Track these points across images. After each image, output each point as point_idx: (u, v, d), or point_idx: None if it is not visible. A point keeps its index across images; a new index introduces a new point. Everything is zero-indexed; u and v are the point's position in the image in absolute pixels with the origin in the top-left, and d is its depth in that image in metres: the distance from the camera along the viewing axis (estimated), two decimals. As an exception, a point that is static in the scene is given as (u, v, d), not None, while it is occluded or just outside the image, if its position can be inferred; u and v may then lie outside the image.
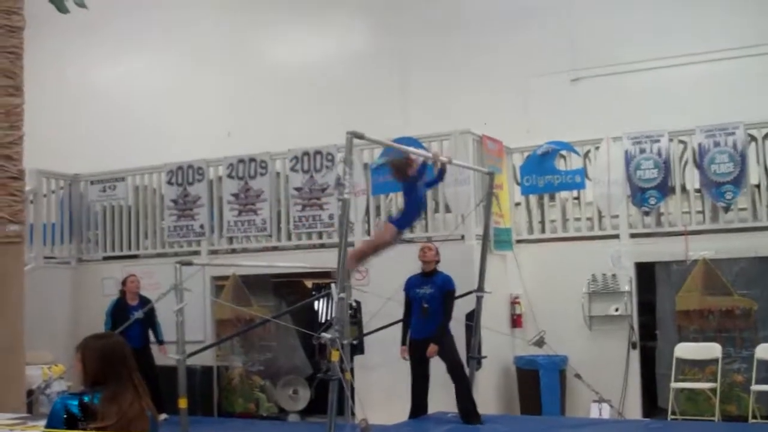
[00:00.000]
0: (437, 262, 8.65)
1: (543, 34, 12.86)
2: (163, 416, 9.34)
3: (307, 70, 14.48)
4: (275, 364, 11.24)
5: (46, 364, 9.99)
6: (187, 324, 8.45)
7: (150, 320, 10.13)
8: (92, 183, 12.45)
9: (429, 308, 8.43)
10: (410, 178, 7.80)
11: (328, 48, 14.69)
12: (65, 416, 3.50)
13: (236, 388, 11.19)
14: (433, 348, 8.36)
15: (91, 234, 12.43)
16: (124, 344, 3.73)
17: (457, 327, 8.90)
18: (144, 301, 10.10)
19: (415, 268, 8.72)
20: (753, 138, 9.85)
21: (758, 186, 9.83)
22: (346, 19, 14.67)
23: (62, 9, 8.23)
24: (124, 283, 10.48)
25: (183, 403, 8.19)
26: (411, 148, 9.27)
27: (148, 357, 10.06)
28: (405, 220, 7.95)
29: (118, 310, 10.18)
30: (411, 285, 8.63)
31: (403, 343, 8.59)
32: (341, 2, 14.54)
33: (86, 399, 3.53)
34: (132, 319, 9.59)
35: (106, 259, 12.28)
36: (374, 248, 8.08)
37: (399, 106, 13.56)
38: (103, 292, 11.52)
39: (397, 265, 9.12)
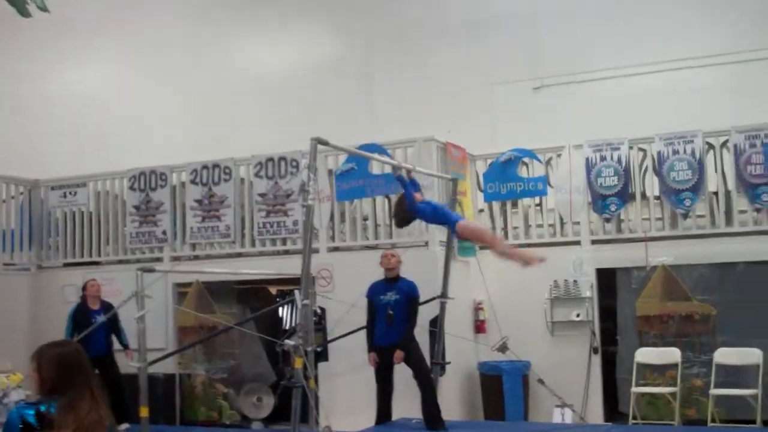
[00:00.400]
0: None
1: (506, 43, 12.96)
2: (124, 426, 9.26)
3: (273, 76, 14.47)
4: (238, 371, 11.19)
5: (4, 372, 9.87)
6: (149, 331, 8.37)
7: (113, 325, 9.99)
8: (53, 189, 12.32)
9: (394, 315, 8.44)
10: (408, 206, 7.86)
11: (294, 54, 14.67)
12: (21, 426, 3.46)
13: (198, 396, 11.09)
14: (399, 354, 8.39)
15: (51, 240, 12.29)
16: (80, 352, 3.68)
17: (421, 333, 8.92)
18: (106, 306, 9.93)
19: (378, 274, 8.73)
20: (711, 146, 10.01)
21: (716, 193, 9.99)
22: (311, 26, 14.67)
23: (24, 13, 8.12)
24: (84, 287, 10.34)
25: (144, 412, 8.10)
26: (375, 155, 9.33)
27: (112, 364, 9.93)
28: (444, 215, 7.90)
29: (80, 315, 9.96)
30: (375, 292, 8.62)
31: (370, 349, 8.58)
32: (306, 9, 14.53)
33: (43, 408, 3.49)
34: (95, 323, 9.49)
35: (66, 265, 12.15)
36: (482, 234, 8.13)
37: (364, 113, 13.58)
38: (63, 299, 11.38)
39: (361, 272, 9.17)
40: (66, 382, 3.54)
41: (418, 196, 7.97)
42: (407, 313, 8.49)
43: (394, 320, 8.44)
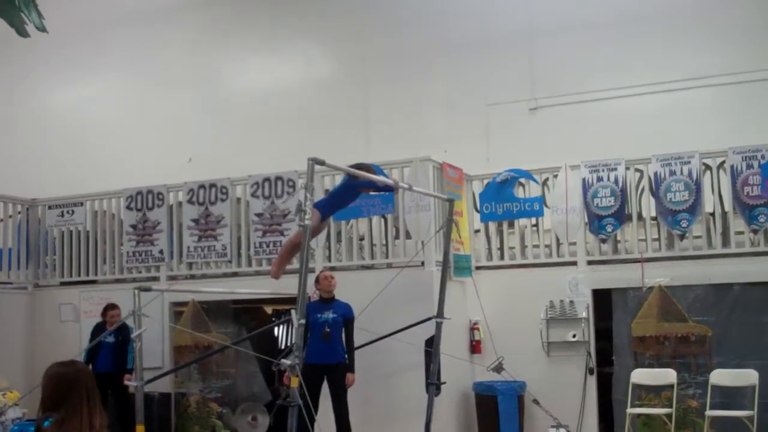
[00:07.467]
0: None
1: (503, 64, 13.00)
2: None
3: (270, 96, 14.50)
4: (234, 390, 11.15)
5: (1, 390, 9.83)
6: (145, 350, 8.34)
7: (122, 347, 10.13)
8: (50, 208, 12.32)
9: (331, 333, 8.74)
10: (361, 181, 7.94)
11: (291, 74, 14.73)
12: (24, 440, 3.52)
13: (193, 415, 11.06)
14: (351, 377, 8.77)
15: (48, 259, 12.28)
16: (82, 373, 3.75)
17: (416, 353, 8.93)
18: (120, 328, 10.00)
19: (374, 292, 8.77)
20: (708, 167, 10.03)
21: (713, 214, 10.01)
22: (308, 46, 14.72)
23: (23, 33, 8.21)
24: (104, 314, 10.50)
25: (140, 431, 8.09)
26: (373, 176, 9.35)
27: (118, 385, 9.95)
28: (327, 206, 7.88)
29: (96, 331, 10.41)
30: (311, 311, 8.69)
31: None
32: (303, 30, 14.59)
33: (46, 424, 3.58)
34: (96, 339, 9.78)
35: (63, 284, 12.13)
36: (291, 245, 8.09)
37: (361, 133, 13.62)
38: (59, 318, 11.38)
39: (358, 292, 9.18)
40: (61, 399, 3.62)
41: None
42: (346, 333, 8.85)
43: (331, 338, 8.74)
